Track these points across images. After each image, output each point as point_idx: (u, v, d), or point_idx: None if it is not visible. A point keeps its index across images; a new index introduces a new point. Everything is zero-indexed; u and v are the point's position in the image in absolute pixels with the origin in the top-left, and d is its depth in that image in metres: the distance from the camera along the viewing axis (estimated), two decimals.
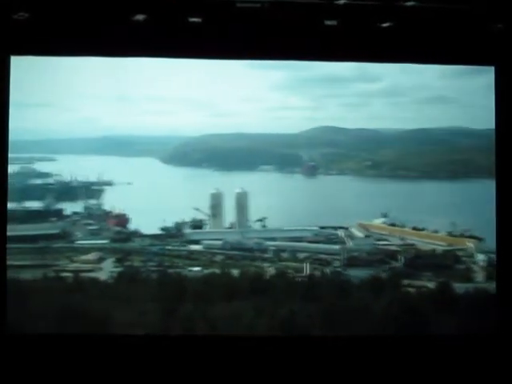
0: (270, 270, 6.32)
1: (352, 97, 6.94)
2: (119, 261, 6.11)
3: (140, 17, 4.73)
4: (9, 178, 6.24)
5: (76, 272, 5.83)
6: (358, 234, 6.89)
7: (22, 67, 5.17)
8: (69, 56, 5.19)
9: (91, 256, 6.07)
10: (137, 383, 4.76)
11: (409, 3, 4.81)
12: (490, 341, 5.05)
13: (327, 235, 6.80)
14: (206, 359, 4.94)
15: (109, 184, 6.73)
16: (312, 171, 7.32)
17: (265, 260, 6.43)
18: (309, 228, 6.78)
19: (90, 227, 6.37)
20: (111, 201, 6.60)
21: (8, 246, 5.70)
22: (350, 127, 7.21)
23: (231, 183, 6.86)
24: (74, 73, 5.66)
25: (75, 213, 6.47)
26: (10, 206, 6.05)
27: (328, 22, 4.92)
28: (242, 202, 6.75)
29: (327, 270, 6.45)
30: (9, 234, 5.83)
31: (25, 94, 5.72)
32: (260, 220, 6.77)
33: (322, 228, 6.83)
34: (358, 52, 5.22)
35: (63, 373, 4.65)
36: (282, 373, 4.82)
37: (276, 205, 6.82)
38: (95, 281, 5.85)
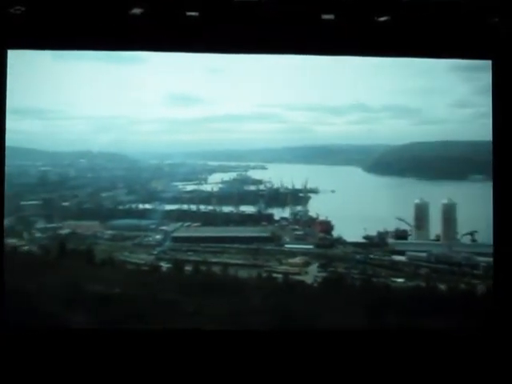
0: (481, 288, 5.91)
1: None
2: (323, 266, 6.31)
3: (137, 11, 4.74)
4: (227, 184, 7.07)
5: (285, 274, 6.20)
6: None
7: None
8: (66, 50, 5.30)
9: (298, 260, 6.38)
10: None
11: None
12: None
13: None
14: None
15: (314, 191, 7.00)
16: None
17: (475, 276, 6.04)
18: None
19: (297, 232, 6.69)
20: (316, 208, 6.86)
21: (227, 245, 6.44)
22: None
23: (437, 193, 6.59)
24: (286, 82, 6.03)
25: (283, 218, 6.86)
26: (228, 209, 6.80)
27: (325, 16, 4.89)
28: (449, 214, 6.42)
29: None
30: (227, 234, 6.58)
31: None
32: (469, 233, 6.36)
33: None
34: (356, 46, 5.20)
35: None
36: None
37: (488, 217, 6.32)
38: (302, 284, 6.15)
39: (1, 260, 5.08)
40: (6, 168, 5.93)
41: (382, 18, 5.00)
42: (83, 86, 5.68)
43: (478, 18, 5.05)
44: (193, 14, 4.86)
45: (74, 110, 5.91)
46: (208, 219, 6.70)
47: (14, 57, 5.20)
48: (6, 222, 5.91)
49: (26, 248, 5.92)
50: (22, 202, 6.08)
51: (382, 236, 6.54)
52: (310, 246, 6.55)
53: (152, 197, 6.44)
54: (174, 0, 4.84)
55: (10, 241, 5.83)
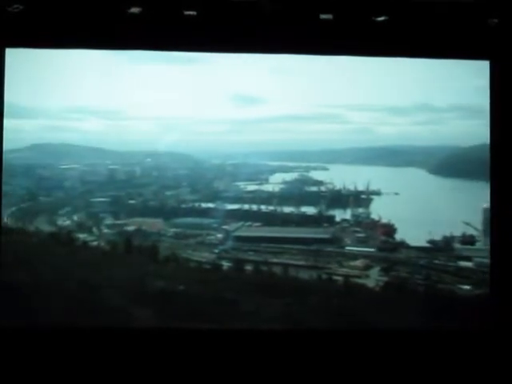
0: None
1: None
2: (385, 270, 6.19)
3: (136, 9, 4.74)
4: (288, 185, 7.06)
5: (345, 276, 6.13)
6: None
7: None
8: (64, 49, 5.25)
9: (359, 262, 6.28)
10: None
11: None
12: None
13: None
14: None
15: (376, 193, 6.85)
16: None
17: None
18: None
19: (358, 235, 6.57)
20: (378, 210, 6.72)
21: (287, 246, 6.45)
22: None
23: None
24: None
25: (344, 220, 6.74)
26: (289, 209, 6.79)
27: (323, 16, 4.95)
28: None
29: None
30: (287, 235, 6.58)
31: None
32: None
33: None
34: (354, 46, 5.26)
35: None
36: None
37: None
38: (363, 287, 6.07)
39: None
40: (77, 166, 6.30)
41: (380, 18, 5.01)
42: (149, 88, 5.86)
43: (477, 18, 5.04)
44: (191, 13, 4.91)
45: (140, 111, 6.09)
46: (269, 219, 6.71)
47: (82, 57, 5.45)
48: (77, 217, 6.26)
49: (95, 243, 6.19)
50: (92, 199, 6.35)
51: (448, 241, 6.31)
52: (372, 249, 6.43)
53: (214, 196, 6.52)
54: None
55: (81, 235, 6.16)
